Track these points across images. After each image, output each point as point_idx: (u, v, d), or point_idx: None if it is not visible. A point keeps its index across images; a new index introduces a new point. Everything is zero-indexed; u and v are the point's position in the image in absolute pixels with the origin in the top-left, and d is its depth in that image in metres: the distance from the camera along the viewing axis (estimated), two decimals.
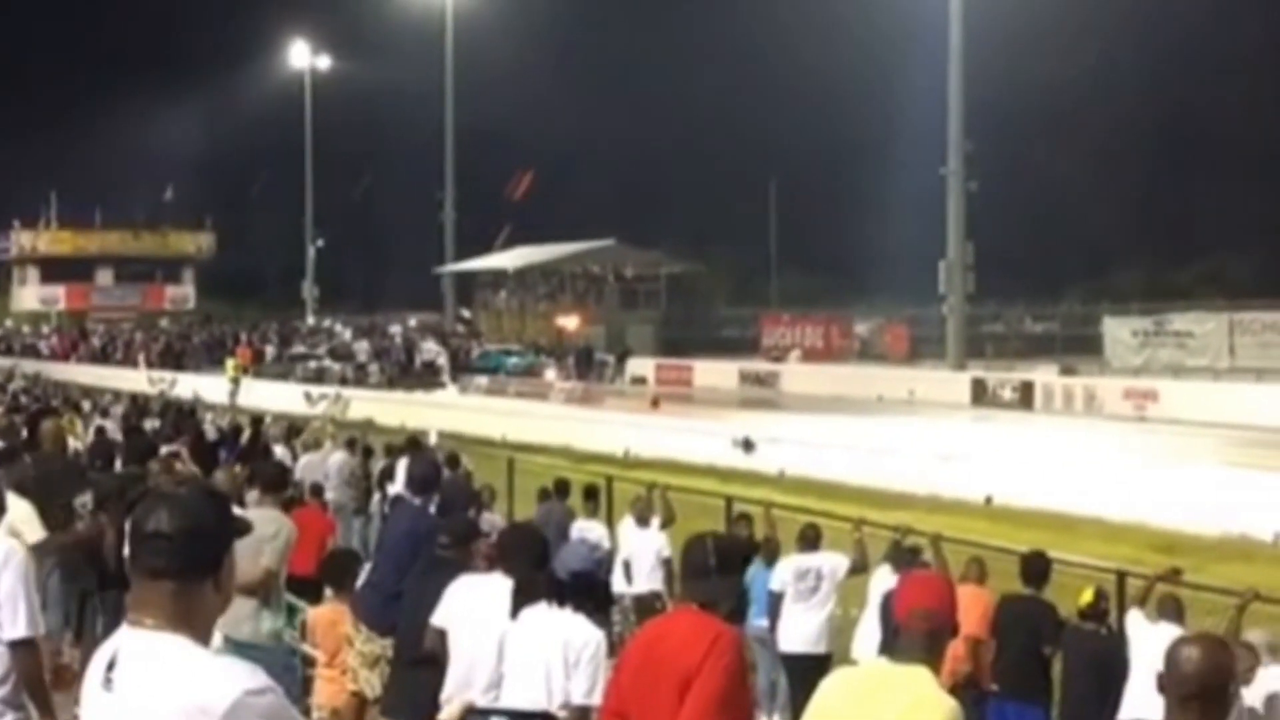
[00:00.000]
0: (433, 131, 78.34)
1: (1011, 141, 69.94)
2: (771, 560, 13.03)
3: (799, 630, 12.34)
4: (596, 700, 6.25)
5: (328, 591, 10.55)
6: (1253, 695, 8.83)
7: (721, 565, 5.53)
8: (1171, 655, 4.17)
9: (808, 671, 10.91)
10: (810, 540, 12.85)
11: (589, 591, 6.80)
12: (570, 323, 68.98)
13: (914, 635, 4.80)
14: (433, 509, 9.61)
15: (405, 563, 9.17)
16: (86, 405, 30.20)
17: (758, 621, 12.84)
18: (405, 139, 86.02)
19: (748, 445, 30.08)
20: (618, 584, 13.36)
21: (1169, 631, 9.38)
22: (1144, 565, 13.48)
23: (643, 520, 14.79)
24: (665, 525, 14.77)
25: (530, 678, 6.55)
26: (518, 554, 7.33)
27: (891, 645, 4.94)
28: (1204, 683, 4.09)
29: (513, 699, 6.63)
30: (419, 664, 7.67)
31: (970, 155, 51.72)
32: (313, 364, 61.95)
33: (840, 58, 74.94)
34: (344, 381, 53.78)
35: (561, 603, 6.66)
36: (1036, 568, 11.40)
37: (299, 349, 69.23)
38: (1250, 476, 23.97)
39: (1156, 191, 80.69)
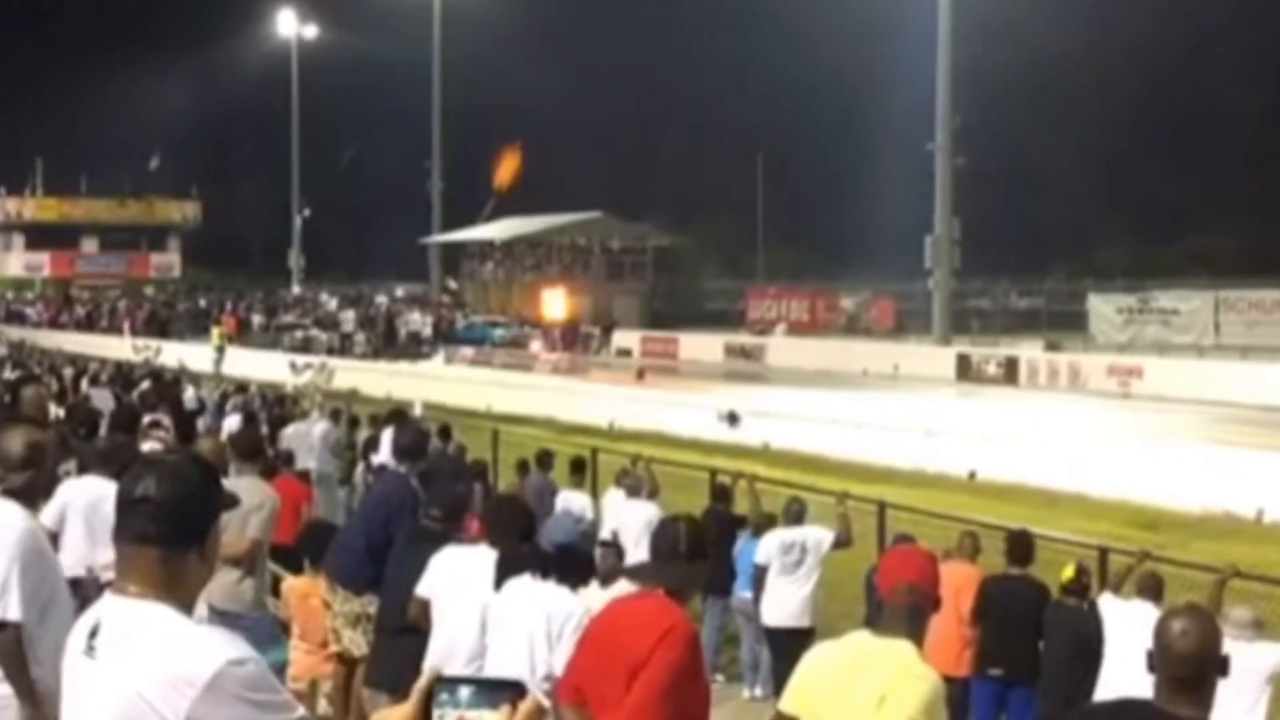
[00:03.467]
0: (420, 101, 78.08)
1: (999, 117, 69.81)
2: (757, 533, 13.03)
3: (783, 604, 12.32)
4: None
5: (307, 563, 10.55)
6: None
7: (691, 552, 5.54)
8: (1161, 630, 4.12)
9: (791, 645, 10.90)
10: (795, 514, 12.84)
11: (573, 564, 6.81)
12: (554, 304, 68.00)
13: (898, 609, 4.83)
14: (414, 480, 9.62)
15: (376, 524, 9.21)
16: (69, 372, 29.99)
17: (742, 594, 12.87)
18: (392, 109, 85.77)
19: (732, 418, 30.08)
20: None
21: (1144, 609, 9.37)
22: (1126, 541, 13.52)
23: (633, 492, 14.72)
24: (650, 497, 14.75)
25: (513, 649, 6.55)
26: (503, 526, 7.34)
27: (875, 619, 4.96)
28: (1195, 658, 4.04)
29: (495, 670, 6.63)
30: (402, 634, 7.68)
31: (958, 131, 51.68)
32: (299, 333, 61.89)
33: (828, 31, 74.75)
34: (330, 351, 53.85)
35: (545, 575, 6.66)
36: (1023, 546, 11.20)
37: (286, 318, 69.15)
38: (1234, 454, 24.04)
39: (1143, 169, 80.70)
